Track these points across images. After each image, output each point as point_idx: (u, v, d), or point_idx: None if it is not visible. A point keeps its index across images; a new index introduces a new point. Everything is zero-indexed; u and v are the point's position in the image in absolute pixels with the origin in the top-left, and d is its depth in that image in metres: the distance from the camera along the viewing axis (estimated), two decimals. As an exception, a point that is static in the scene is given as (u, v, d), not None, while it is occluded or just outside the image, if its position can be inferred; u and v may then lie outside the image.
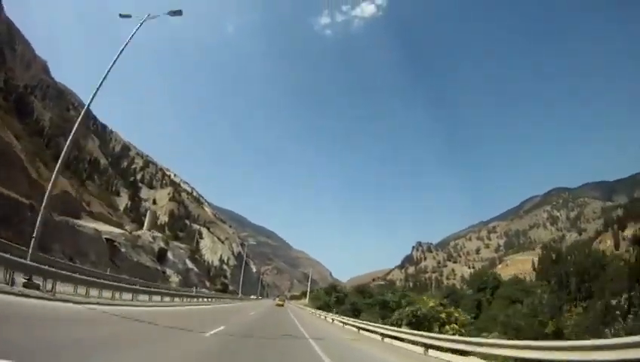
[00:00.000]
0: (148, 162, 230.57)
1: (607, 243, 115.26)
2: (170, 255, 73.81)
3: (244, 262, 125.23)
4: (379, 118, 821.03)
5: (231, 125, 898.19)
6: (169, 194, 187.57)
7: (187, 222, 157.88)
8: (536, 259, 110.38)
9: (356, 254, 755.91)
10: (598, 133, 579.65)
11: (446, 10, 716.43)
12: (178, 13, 19.30)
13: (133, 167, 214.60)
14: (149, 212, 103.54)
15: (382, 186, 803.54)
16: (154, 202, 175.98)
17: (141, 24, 18.15)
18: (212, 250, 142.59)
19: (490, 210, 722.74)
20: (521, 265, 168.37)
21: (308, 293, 59.51)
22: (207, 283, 79.94)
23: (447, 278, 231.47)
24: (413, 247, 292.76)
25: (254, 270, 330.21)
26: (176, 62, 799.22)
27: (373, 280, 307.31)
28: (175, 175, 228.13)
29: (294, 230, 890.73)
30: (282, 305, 62.39)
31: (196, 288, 61.91)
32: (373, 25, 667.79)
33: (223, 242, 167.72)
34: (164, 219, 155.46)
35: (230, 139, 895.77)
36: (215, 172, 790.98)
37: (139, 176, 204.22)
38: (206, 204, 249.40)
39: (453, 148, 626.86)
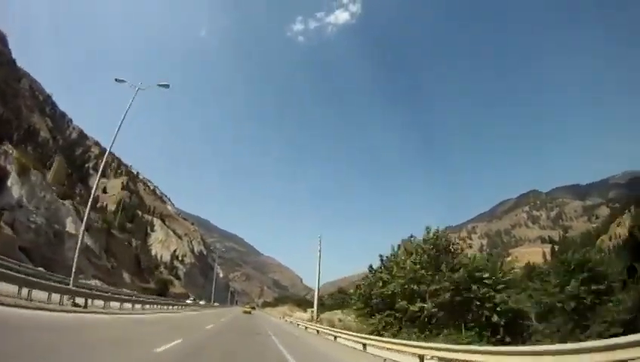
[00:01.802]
0: (104, 151, 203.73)
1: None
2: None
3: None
4: (351, 123, 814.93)
5: (202, 132, 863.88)
6: (122, 183, 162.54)
7: (139, 212, 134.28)
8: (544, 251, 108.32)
9: (328, 260, 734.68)
10: (570, 139, 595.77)
11: (419, 17, 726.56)
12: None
13: (88, 154, 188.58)
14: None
15: (350, 192, 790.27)
16: (104, 190, 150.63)
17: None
18: (164, 244, 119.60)
19: (460, 215, 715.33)
20: (529, 257, 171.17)
21: (316, 304, 39.06)
22: (128, 278, 58.17)
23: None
24: (399, 246, 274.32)
25: (221, 275, 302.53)
26: (148, 66, 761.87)
27: (358, 286, 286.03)
28: (130, 166, 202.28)
29: (263, 236, 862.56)
30: (250, 313, 57.72)
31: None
32: (347, 32, 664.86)
33: (180, 238, 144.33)
34: (111, 207, 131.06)
35: (200, 145, 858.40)
36: (182, 176, 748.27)
37: (91, 164, 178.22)
38: (169, 202, 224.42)
39: (423, 154, 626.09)
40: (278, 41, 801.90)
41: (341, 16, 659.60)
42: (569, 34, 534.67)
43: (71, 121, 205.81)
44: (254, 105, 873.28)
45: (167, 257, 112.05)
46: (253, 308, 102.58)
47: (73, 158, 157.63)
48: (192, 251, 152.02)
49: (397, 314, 21.66)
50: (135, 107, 22.14)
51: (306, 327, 32.87)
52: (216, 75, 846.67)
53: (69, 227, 45.57)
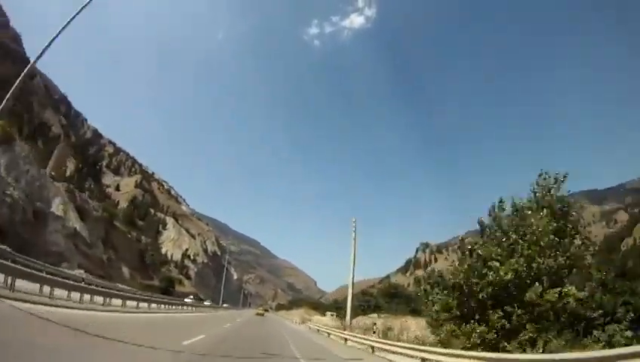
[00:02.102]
0: (118, 150, 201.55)
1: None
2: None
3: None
4: (365, 127, 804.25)
5: (218, 134, 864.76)
6: (136, 181, 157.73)
7: (152, 210, 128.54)
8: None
9: (341, 265, 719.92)
10: (586, 143, 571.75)
11: (434, 22, 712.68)
12: None
13: (102, 153, 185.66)
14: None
15: (364, 196, 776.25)
16: (117, 188, 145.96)
17: None
18: (176, 242, 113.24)
19: (473, 220, 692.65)
20: None
21: (350, 306, 33.42)
22: (127, 273, 50.66)
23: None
24: (418, 249, 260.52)
25: (235, 277, 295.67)
26: (164, 67, 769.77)
27: (372, 286, 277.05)
28: (145, 166, 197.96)
29: (278, 239, 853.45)
30: (263, 315, 55.87)
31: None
32: (362, 36, 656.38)
33: (193, 237, 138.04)
34: (123, 204, 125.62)
35: (218, 148, 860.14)
36: (199, 179, 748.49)
37: (105, 162, 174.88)
38: (184, 203, 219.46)
39: (440, 159, 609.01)
40: (294, 44, 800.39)
41: (356, 20, 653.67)
42: (584, 32, 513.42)
43: (86, 120, 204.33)
44: (270, 107, 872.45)
45: (177, 256, 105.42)
46: (267, 310, 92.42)
47: (86, 156, 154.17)
48: (205, 251, 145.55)
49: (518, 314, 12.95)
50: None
51: (346, 339, 23.00)
52: (230, 77, 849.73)
53: (56, 208, 38.73)
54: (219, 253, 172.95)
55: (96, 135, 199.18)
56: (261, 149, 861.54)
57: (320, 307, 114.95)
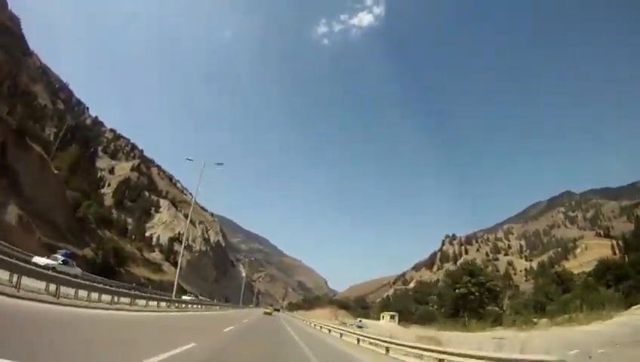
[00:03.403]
0: (119, 136, 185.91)
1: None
2: None
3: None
4: (376, 126, 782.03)
5: (229, 132, 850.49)
6: (133, 165, 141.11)
7: (146, 193, 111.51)
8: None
9: (352, 263, 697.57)
10: (602, 140, 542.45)
11: (443, 20, 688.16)
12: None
13: (101, 138, 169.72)
14: None
15: (377, 195, 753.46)
16: (111, 171, 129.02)
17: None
18: (168, 226, 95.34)
19: (487, 219, 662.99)
20: (598, 249, 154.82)
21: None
22: (14, 219, 30.07)
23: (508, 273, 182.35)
24: (443, 241, 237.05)
25: (244, 274, 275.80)
26: (176, 67, 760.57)
27: (394, 282, 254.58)
28: (142, 150, 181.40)
29: (288, 238, 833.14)
30: (271, 314, 51.70)
31: None
32: (371, 34, 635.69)
33: (193, 224, 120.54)
34: (114, 185, 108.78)
35: (227, 146, 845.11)
36: (208, 175, 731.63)
37: (101, 146, 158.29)
38: (187, 193, 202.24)
39: (450, 158, 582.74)
40: (303, 43, 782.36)
41: (365, 19, 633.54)
42: (598, 27, 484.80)
43: (87, 108, 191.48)
44: (278, 105, 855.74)
45: (165, 239, 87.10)
46: (277, 309, 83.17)
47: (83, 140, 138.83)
48: (207, 240, 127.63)
49: None
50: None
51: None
52: (240, 77, 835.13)
53: None
54: (223, 245, 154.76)
55: (97, 122, 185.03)
56: (270, 148, 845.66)
57: (348, 306, 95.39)
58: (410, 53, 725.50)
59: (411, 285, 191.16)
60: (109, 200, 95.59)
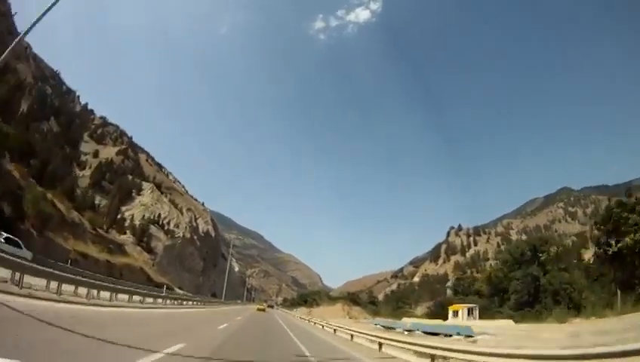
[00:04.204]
0: (107, 123, 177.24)
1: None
2: None
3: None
4: (371, 121, 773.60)
5: (223, 126, 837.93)
6: (119, 149, 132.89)
7: (129, 176, 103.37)
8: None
9: (345, 260, 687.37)
10: (598, 138, 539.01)
11: (440, 15, 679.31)
12: None
13: (88, 125, 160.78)
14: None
15: (372, 192, 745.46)
16: (95, 155, 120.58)
17: None
18: (149, 208, 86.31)
19: (483, 216, 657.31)
20: None
21: None
22: None
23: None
24: (449, 233, 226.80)
25: (237, 269, 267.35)
26: (170, 64, 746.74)
27: (391, 278, 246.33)
28: (131, 136, 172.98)
29: (282, 234, 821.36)
30: (264, 310, 50.07)
31: None
32: (368, 30, 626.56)
33: (180, 211, 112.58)
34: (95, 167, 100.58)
35: (221, 141, 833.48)
36: (201, 171, 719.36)
37: (88, 133, 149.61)
38: (178, 183, 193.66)
39: (447, 154, 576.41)
40: (300, 39, 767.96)
41: (362, 14, 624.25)
42: (595, 29, 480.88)
43: (79, 97, 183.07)
44: (273, 101, 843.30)
45: (137, 220, 77.10)
46: (271, 306, 78.94)
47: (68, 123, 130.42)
48: (195, 229, 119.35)
49: None
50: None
51: None
52: (235, 72, 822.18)
53: None
54: (212, 235, 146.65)
55: (86, 109, 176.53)
56: (266, 144, 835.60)
57: (359, 302, 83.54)
58: (408, 48, 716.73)
59: (416, 279, 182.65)
60: (86, 182, 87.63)
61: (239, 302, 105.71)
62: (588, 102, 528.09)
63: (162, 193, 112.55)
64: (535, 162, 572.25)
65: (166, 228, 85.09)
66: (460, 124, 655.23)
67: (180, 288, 66.51)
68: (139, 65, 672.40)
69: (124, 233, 66.28)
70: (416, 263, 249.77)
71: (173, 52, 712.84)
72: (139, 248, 66.09)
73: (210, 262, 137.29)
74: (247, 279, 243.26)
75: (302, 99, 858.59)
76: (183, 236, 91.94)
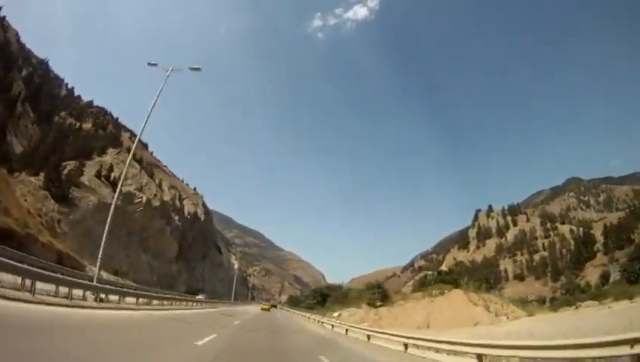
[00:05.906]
0: (91, 104, 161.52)
1: None
2: None
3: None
4: (373, 118, 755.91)
5: (223, 126, 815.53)
6: (95, 121, 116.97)
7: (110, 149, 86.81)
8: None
9: (348, 257, 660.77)
10: (601, 130, 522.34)
11: (439, 13, 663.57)
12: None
13: (72, 105, 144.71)
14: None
15: (373, 190, 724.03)
16: (69, 126, 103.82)
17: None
18: (104, 165, 67.84)
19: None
20: None
21: None
22: None
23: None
24: (477, 215, 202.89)
25: (236, 266, 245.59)
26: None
27: (402, 272, 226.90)
28: (117, 118, 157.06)
29: (284, 232, 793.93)
30: (269, 310, 49.51)
31: None
32: (366, 28, 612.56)
33: (159, 185, 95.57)
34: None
35: (220, 139, 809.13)
36: (201, 171, 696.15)
37: (68, 111, 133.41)
38: (163, 167, 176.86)
39: (451, 149, 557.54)
40: (298, 38, 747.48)
41: (360, 12, 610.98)
42: (599, 21, 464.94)
43: (67, 84, 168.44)
44: (273, 99, 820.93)
45: (88, 176, 55.95)
46: (275, 306, 77.87)
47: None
48: (178, 208, 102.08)
49: None
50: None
51: None
52: (235, 72, 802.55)
53: None
54: (202, 219, 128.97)
55: (71, 94, 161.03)
56: (264, 142, 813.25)
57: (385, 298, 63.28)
58: (406, 45, 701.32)
59: (444, 267, 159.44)
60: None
61: (226, 301, 71.51)
62: (588, 99, 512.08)
63: (140, 164, 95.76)
64: (538, 156, 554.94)
65: (121, 189, 64.06)
66: (459, 121, 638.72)
67: (135, 281, 47.83)
68: (140, 68, 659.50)
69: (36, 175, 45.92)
70: (426, 256, 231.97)
71: (174, 52, 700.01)
72: (44, 193, 45.28)
73: (198, 252, 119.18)
74: (247, 277, 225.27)
75: (301, 97, 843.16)
76: (148, 203, 71.69)
